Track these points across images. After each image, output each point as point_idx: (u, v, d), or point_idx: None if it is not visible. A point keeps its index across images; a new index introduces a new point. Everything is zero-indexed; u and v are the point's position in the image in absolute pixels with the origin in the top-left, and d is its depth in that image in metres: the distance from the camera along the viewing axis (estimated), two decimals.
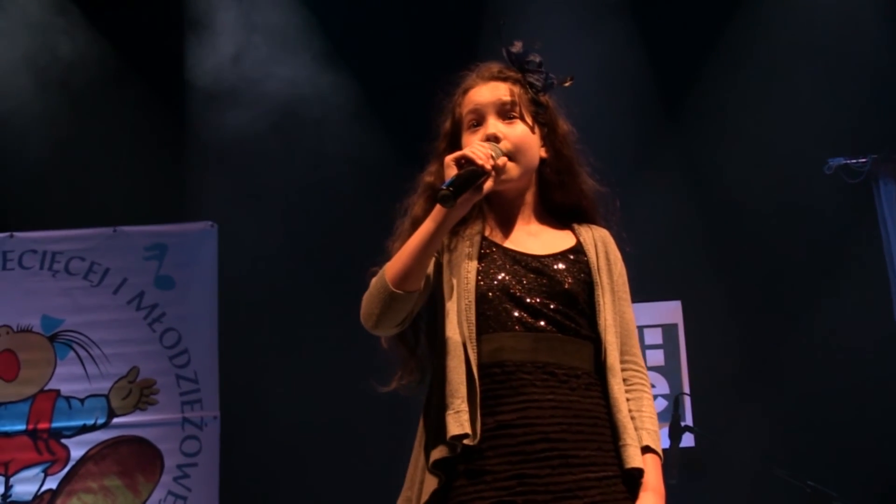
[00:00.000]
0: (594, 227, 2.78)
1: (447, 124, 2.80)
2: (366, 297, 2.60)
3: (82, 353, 6.58)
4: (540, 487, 2.46)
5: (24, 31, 6.86)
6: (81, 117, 6.89)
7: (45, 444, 6.49)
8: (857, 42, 6.56)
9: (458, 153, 2.56)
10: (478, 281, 2.60)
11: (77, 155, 6.88)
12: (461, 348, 2.53)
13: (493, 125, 2.68)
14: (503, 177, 2.62)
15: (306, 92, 6.89)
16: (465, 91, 2.78)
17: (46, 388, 6.56)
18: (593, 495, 2.48)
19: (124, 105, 6.95)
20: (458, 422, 2.46)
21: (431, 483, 2.51)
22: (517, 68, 2.78)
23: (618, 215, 2.83)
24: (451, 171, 2.52)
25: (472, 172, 2.50)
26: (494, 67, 2.79)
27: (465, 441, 2.47)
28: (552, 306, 2.59)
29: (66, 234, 6.72)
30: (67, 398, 6.55)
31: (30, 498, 6.38)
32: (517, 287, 2.59)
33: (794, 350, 6.55)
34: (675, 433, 5.42)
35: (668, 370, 6.71)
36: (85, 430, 6.52)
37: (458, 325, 2.55)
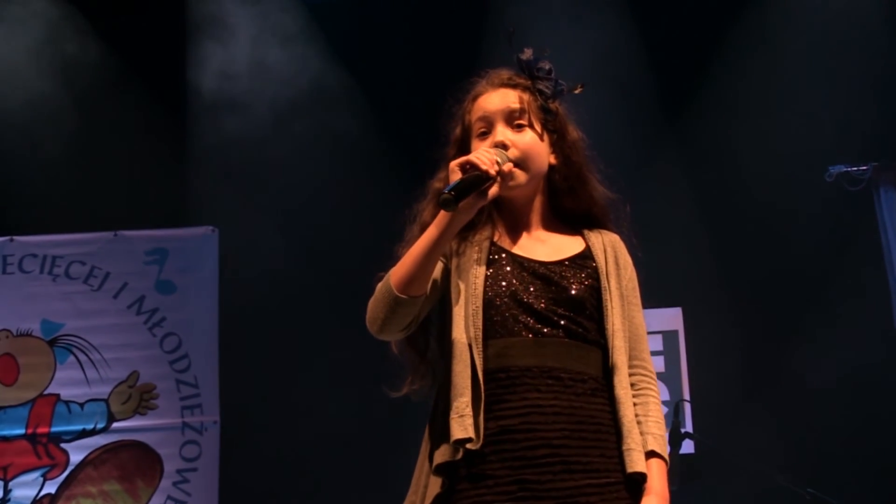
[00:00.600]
0: (604, 231, 2.79)
1: (457, 131, 2.81)
2: (371, 301, 2.61)
3: (82, 357, 6.58)
4: (541, 493, 2.46)
5: (27, 36, 6.86)
6: (83, 121, 6.91)
7: (44, 449, 6.48)
8: (858, 49, 6.58)
9: (462, 158, 2.57)
10: (485, 286, 2.60)
11: (78, 159, 6.90)
12: (468, 353, 2.53)
13: (502, 132, 2.69)
14: (510, 183, 2.62)
15: (308, 97, 6.91)
16: (475, 98, 2.78)
17: (46, 392, 6.55)
18: (594, 501, 2.48)
19: (126, 109, 6.96)
20: (462, 426, 2.47)
21: (435, 487, 2.52)
22: (527, 75, 2.78)
23: (629, 221, 2.82)
24: (456, 176, 2.53)
25: (475, 177, 2.50)
26: (504, 74, 2.79)
27: (468, 445, 2.47)
28: (560, 312, 2.59)
29: (66, 238, 6.72)
30: (67, 402, 6.54)
31: (29, 502, 6.37)
32: (525, 293, 2.60)
33: (795, 357, 6.54)
34: (676, 440, 5.42)
35: (669, 377, 6.71)
36: (84, 434, 6.51)
37: (465, 329, 2.56)
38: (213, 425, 6.52)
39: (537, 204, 2.77)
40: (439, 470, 2.52)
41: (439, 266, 2.63)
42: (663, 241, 6.35)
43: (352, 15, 7.06)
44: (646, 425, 2.61)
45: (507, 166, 2.60)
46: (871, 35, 6.60)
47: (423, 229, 2.64)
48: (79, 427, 6.52)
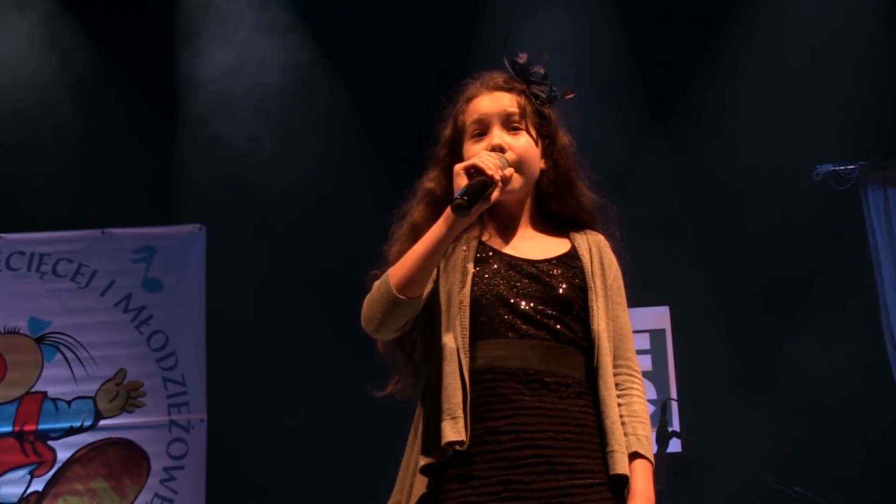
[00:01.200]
0: (589, 232, 2.79)
1: (448, 131, 2.80)
2: (367, 300, 2.60)
3: (69, 355, 6.57)
4: (525, 493, 2.47)
5: (15, 34, 6.85)
6: (70, 119, 6.89)
7: (31, 446, 6.47)
8: (846, 49, 6.58)
9: (468, 163, 2.56)
10: (473, 286, 2.60)
11: (66, 157, 6.88)
12: (456, 354, 2.54)
13: (499, 136, 2.69)
14: (507, 187, 2.62)
15: (296, 96, 6.90)
16: (469, 100, 2.78)
17: (33, 389, 6.54)
18: (578, 502, 2.48)
19: (114, 107, 6.97)
20: (455, 428, 2.48)
21: (420, 486, 2.52)
22: (522, 80, 2.78)
23: (616, 224, 2.83)
24: (461, 181, 2.53)
25: (482, 182, 2.50)
26: (499, 78, 2.79)
27: (457, 446, 2.48)
28: (546, 312, 2.60)
29: (53, 236, 6.71)
30: (54, 400, 6.53)
31: (16, 500, 6.36)
32: (511, 292, 2.60)
33: (782, 356, 6.55)
34: (663, 438, 5.42)
35: (656, 375, 6.71)
36: (72, 432, 6.50)
37: (452, 330, 2.56)
38: (200, 423, 6.52)
39: (526, 206, 2.77)
40: (426, 470, 2.52)
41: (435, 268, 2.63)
42: (651, 240, 6.37)
43: (341, 13, 7.04)
44: (630, 426, 2.62)
45: (509, 171, 2.61)
46: (858, 34, 6.61)
47: (413, 229, 2.65)
48: (66, 425, 6.51)
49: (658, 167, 6.90)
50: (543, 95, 2.76)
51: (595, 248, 2.74)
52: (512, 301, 2.59)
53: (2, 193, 6.86)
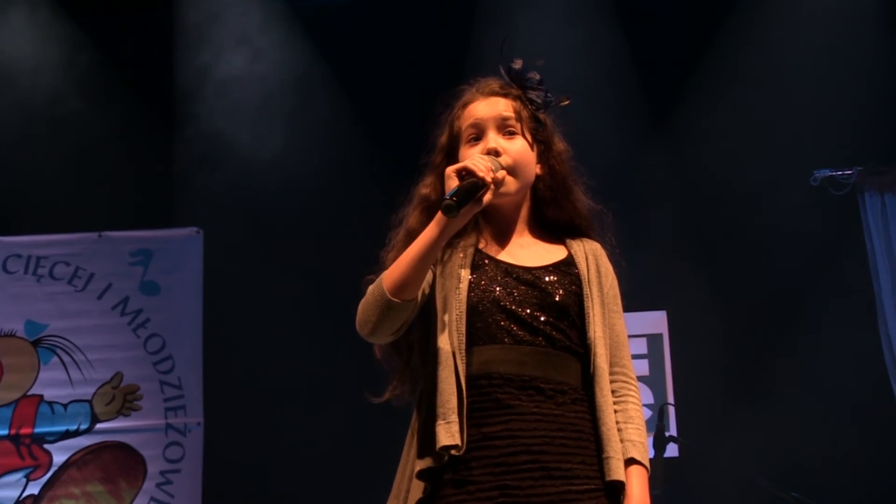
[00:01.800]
0: (586, 240, 2.80)
1: (444, 137, 2.82)
2: (362, 304, 2.61)
3: (66, 358, 6.56)
4: (521, 499, 2.48)
5: (13, 39, 6.84)
6: (68, 122, 6.89)
7: (27, 450, 6.46)
8: (843, 54, 6.59)
9: (459, 165, 2.58)
10: (469, 292, 2.61)
11: (63, 159, 6.88)
12: (452, 359, 2.55)
13: (494, 139, 2.70)
14: (501, 190, 2.63)
15: (295, 100, 6.90)
16: (465, 105, 2.79)
17: (30, 392, 6.54)
18: None
19: (111, 110, 6.97)
20: (449, 432, 2.48)
21: (417, 491, 2.53)
22: (518, 85, 2.79)
23: (613, 231, 2.83)
24: (453, 182, 2.54)
25: (473, 184, 2.52)
26: (495, 83, 2.81)
27: (453, 451, 2.48)
28: (543, 318, 2.60)
29: (51, 239, 6.70)
30: (51, 403, 6.53)
31: (11, 503, 6.35)
32: (508, 299, 2.61)
33: (779, 360, 6.56)
34: (660, 443, 5.42)
35: (653, 380, 6.72)
36: (68, 435, 6.49)
37: (448, 336, 2.57)
38: (197, 427, 6.51)
39: (523, 212, 2.78)
40: (422, 475, 2.53)
41: (428, 271, 2.63)
42: (648, 244, 6.36)
43: (339, 18, 7.05)
44: (626, 432, 2.62)
45: (501, 174, 2.62)
46: (856, 39, 6.61)
47: (409, 234, 2.65)
48: (62, 428, 6.50)
49: (656, 172, 6.90)
50: (539, 101, 2.78)
51: (591, 256, 2.75)
52: (508, 307, 2.60)
53: None
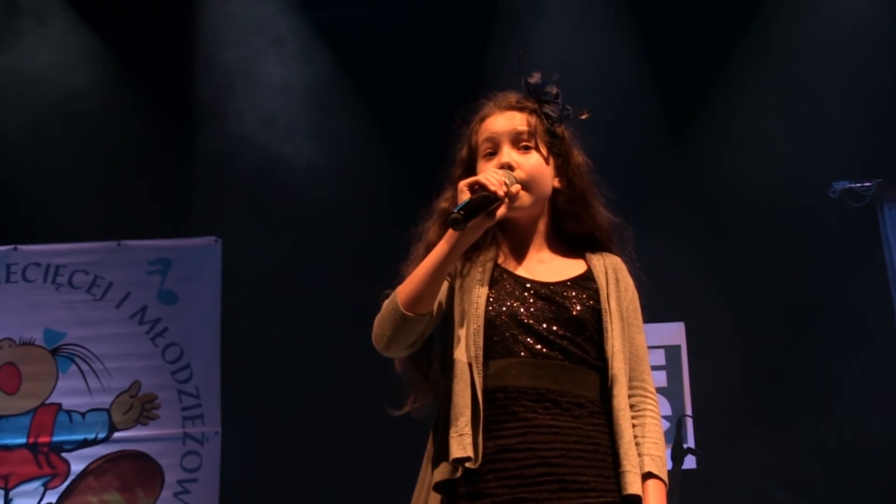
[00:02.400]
0: (606, 254, 2.80)
1: (463, 151, 2.82)
2: (378, 318, 2.62)
3: (84, 366, 6.59)
4: None
5: (31, 46, 6.87)
6: (87, 131, 6.91)
7: (45, 458, 6.49)
8: (863, 67, 6.58)
9: (471, 179, 2.58)
10: (487, 307, 2.61)
11: (82, 168, 6.90)
12: (468, 372, 2.55)
13: (508, 154, 2.70)
14: (516, 204, 2.63)
15: (312, 109, 6.91)
16: (482, 119, 2.79)
17: (48, 401, 6.56)
18: None
19: (130, 119, 6.98)
20: (461, 444, 2.48)
21: None
22: (534, 99, 2.79)
23: (632, 244, 2.83)
24: (464, 196, 2.54)
25: (483, 198, 2.51)
26: (512, 97, 2.81)
27: (468, 464, 2.48)
28: (560, 333, 2.60)
29: (69, 248, 6.74)
30: (69, 412, 6.55)
31: None
32: (525, 314, 2.61)
33: (797, 372, 6.54)
34: (678, 455, 5.42)
35: (671, 392, 6.70)
36: (86, 444, 6.52)
37: (465, 349, 2.57)
38: (215, 436, 6.53)
39: (541, 226, 2.77)
40: (438, 488, 2.53)
41: (444, 286, 2.64)
42: (666, 256, 6.35)
43: (357, 28, 7.07)
44: (644, 446, 2.61)
45: (515, 188, 2.62)
46: (875, 51, 6.61)
47: (428, 249, 2.65)
48: (80, 437, 6.53)
49: (674, 184, 6.89)
50: (554, 115, 2.77)
51: (611, 270, 2.74)
52: (525, 321, 2.60)
53: (18, 205, 6.89)
